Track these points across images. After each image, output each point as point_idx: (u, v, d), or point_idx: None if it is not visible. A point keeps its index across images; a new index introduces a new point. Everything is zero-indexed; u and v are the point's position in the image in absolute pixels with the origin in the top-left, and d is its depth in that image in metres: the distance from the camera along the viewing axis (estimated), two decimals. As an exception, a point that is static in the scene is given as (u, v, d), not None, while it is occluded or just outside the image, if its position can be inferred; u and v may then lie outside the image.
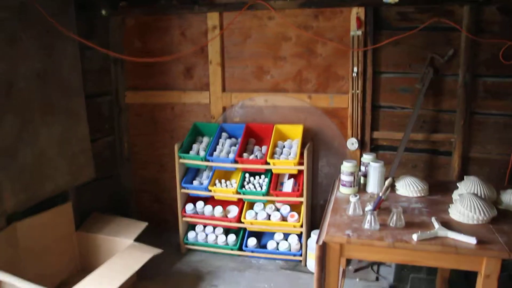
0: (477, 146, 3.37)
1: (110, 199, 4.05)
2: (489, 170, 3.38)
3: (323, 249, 1.91)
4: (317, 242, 1.91)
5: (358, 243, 1.90)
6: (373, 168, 2.40)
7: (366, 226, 1.96)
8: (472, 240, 1.84)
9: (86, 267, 2.94)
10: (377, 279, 3.33)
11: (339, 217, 2.10)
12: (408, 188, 2.39)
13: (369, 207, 2.01)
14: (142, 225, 3.46)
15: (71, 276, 3.16)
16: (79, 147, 3.45)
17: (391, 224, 1.99)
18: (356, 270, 3.41)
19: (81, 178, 3.50)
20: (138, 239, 3.29)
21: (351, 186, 2.40)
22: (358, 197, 2.13)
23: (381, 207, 2.15)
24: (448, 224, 2.00)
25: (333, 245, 1.92)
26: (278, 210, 3.55)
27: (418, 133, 3.42)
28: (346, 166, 2.38)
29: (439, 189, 2.47)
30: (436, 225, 1.97)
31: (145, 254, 3.08)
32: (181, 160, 3.62)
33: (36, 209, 3.11)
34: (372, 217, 1.95)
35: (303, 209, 3.43)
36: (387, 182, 2.04)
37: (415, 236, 1.86)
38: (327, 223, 2.03)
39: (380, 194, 2.02)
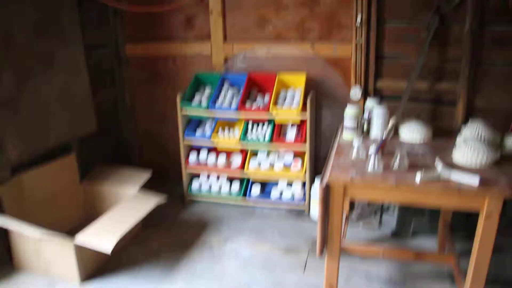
0: (482, 96, 3.34)
1: (113, 152, 4.07)
2: (494, 120, 3.36)
3: (327, 190, 1.93)
4: (320, 183, 1.93)
5: (361, 184, 1.92)
6: (377, 113, 2.39)
7: (370, 168, 1.98)
8: (474, 180, 1.85)
9: (92, 218, 2.99)
10: (379, 225, 3.38)
11: (343, 160, 2.11)
12: (412, 133, 2.39)
13: (372, 149, 2.02)
14: (146, 174, 3.49)
15: (77, 226, 3.20)
16: (80, 100, 3.44)
17: (394, 167, 2.01)
18: (359, 218, 3.46)
19: (83, 131, 3.51)
20: (142, 190, 3.32)
21: (354, 131, 2.40)
22: (361, 140, 2.13)
23: (385, 152, 2.16)
24: (451, 167, 2.01)
25: (337, 186, 1.94)
26: (281, 159, 3.57)
27: (423, 83, 3.39)
28: (350, 111, 2.37)
29: (443, 135, 2.47)
30: (440, 167, 1.98)
31: (150, 202, 3.12)
32: (184, 111, 3.61)
33: (40, 161, 3.14)
34: (376, 159, 1.96)
35: (306, 157, 3.45)
36: (391, 123, 2.03)
37: (418, 177, 1.88)
38: (331, 165, 2.05)
39: (384, 135, 2.02)
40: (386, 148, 2.19)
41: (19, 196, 2.95)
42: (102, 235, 2.72)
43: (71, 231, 2.72)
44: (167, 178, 4.12)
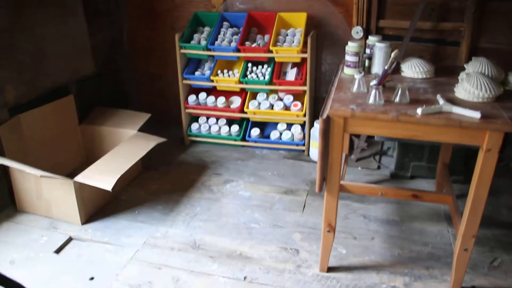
0: (487, 36, 3.26)
1: (111, 94, 4.02)
2: (498, 60, 3.30)
3: (327, 123, 1.90)
4: (321, 115, 1.91)
5: (362, 117, 1.89)
6: (379, 48, 2.34)
7: (371, 101, 1.94)
8: (476, 114, 1.82)
9: (91, 161, 2.98)
10: (378, 167, 3.39)
11: (343, 94, 2.08)
12: (414, 69, 2.34)
13: (374, 82, 1.98)
14: (145, 116, 3.46)
15: (78, 169, 3.20)
16: (77, 41, 3.36)
17: (395, 100, 1.98)
18: (358, 160, 3.46)
19: (81, 72, 3.45)
20: (142, 132, 3.30)
21: (355, 67, 2.36)
22: (363, 74, 2.10)
23: (386, 86, 2.12)
24: (453, 101, 1.97)
25: (337, 119, 1.91)
26: (281, 100, 3.54)
27: (426, 22, 3.30)
28: (351, 46, 2.32)
29: (445, 72, 2.42)
30: (441, 101, 1.95)
31: (149, 142, 3.10)
32: (182, 50, 3.55)
33: (38, 103, 3.10)
34: (377, 92, 1.93)
35: (306, 98, 3.42)
36: (393, 54, 1.99)
37: (419, 110, 1.85)
38: (331, 99, 2.01)
39: (386, 67, 1.98)
40: (387, 84, 2.15)
41: (18, 137, 2.93)
42: (103, 174, 2.72)
43: (71, 174, 2.72)
44: (166, 121, 4.09)
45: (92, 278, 2.36)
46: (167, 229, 2.74)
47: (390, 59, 1.98)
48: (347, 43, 2.33)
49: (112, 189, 2.61)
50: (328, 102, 2.03)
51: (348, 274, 2.33)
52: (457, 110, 1.88)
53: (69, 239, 2.69)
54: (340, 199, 2.87)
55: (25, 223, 2.83)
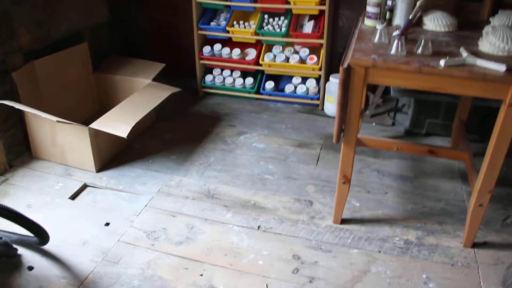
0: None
1: (126, 44, 3.99)
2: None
3: (347, 72, 1.87)
4: (341, 65, 1.88)
5: (383, 67, 1.85)
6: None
7: (393, 51, 1.90)
8: (501, 67, 1.78)
9: (106, 109, 2.97)
10: (393, 124, 3.36)
11: (364, 45, 2.03)
12: (436, 22, 2.29)
13: (396, 32, 1.93)
14: (160, 66, 3.42)
15: (92, 117, 3.20)
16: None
17: (418, 52, 1.93)
18: (372, 116, 3.43)
19: (95, 19, 3.42)
20: (156, 82, 3.28)
21: (376, 18, 2.30)
22: (385, 24, 2.05)
23: (408, 38, 2.07)
24: (476, 55, 1.93)
25: (358, 68, 1.88)
26: (297, 53, 3.49)
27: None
28: (374, -4, 2.26)
29: (469, 26, 2.37)
30: (465, 53, 1.91)
31: (164, 91, 3.09)
32: (198, 0, 3.48)
33: (53, 50, 3.07)
34: (399, 42, 1.88)
35: (323, 51, 3.36)
36: (418, 3, 1.93)
37: (442, 62, 1.81)
38: (353, 49, 1.98)
39: (410, 17, 1.93)
40: (409, 36, 2.10)
41: (33, 83, 2.92)
42: (118, 122, 2.71)
43: (85, 123, 2.72)
44: (180, 72, 4.05)
45: (107, 224, 2.40)
46: (181, 178, 2.76)
47: (415, 8, 1.93)
48: None
49: (127, 136, 2.61)
50: (348, 52, 2.00)
51: (361, 226, 2.35)
52: (481, 62, 1.84)
53: (84, 186, 2.72)
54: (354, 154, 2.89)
55: (40, 169, 2.85)
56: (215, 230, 2.34)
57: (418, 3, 1.93)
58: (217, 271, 2.09)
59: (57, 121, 2.61)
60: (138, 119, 2.73)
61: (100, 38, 3.56)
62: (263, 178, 2.75)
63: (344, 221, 2.37)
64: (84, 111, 3.38)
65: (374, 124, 3.35)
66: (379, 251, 2.18)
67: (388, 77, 1.90)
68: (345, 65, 1.87)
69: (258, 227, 2.36)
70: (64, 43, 3.16)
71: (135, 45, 4.10)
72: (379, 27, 2.04)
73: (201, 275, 2.07)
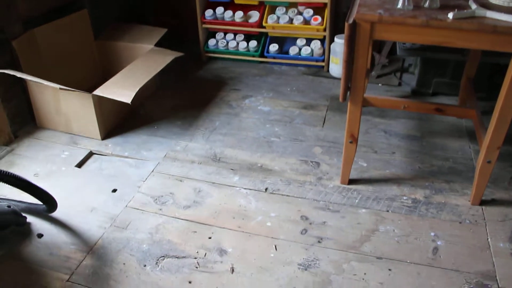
0: None
1: (127, 11, 3.92)
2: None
3: (353, 28, 1.83)
4: (347, 20, 1.83)
5: (390, 22, 1.80)
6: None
7: (399, 5, 1.85)
8: None
9: (109, 77, 2.94)
10: (399, 84, 3.32)
11: (370, 0, 1.98)
12: (444, -25, 2.22)
13: (403, -15, 1.88)
14: (162, 31, 3.36)
15: (95, 85, 3.16)
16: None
17: (425, 5, 1.88)
18: (378, 76, 3.38)
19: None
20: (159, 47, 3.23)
21: (382, -28, 2.23)
22: (391, -22, 1.99)
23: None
24: (487, 7, 1.87)
25: (364, 24, 1.83)
26: (300, 13, 3.42)
27: None
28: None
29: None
30: (474, 6, 1.85)
31: (166, 56, 3.05)
32: (199, -40, 3.41)
33: (52, 18, 3.02)
34: (406, -5, 1.83)
35: (327, 12, 3.30)
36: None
37: (450, 15, 1.76)
38: (357, 4, 1.92)
39: (417, -32, 1.87)
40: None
41: (34, 52, 2.88)
42: (121, 88, 2.69)
43: (89, 91, 2.70)
44: (183, 38, 4.00)
45: (114, 190, 2.40)
46: (187, 143, 2.75)
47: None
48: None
49: (131, 102, 2.58)
50: (354, 8, 1.94)
51: (369, 186, 2.34)
52: (492, 14, 1.78)
53: (90, 154, 2.71)
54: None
55: (45, 138, 2.85)
56: (222, 193, 2.34)
57: (424, -46, 1.86)
58: (226, 234, 2.09)
59: (60, 88, 2.58)
60: (142, 85, 2.70)
61: (100, 6, 3.50)
62: (269, 141, 2.74)
63: (351, 182, 2.36)
64: (87, 79, 3.34)
65: (380, 84, 3.31)
66: (387, 210, 2.18)
67: (395, 32, 1.85)
68: (351, 20, 1.82)
69: (266, 189, 2.35)
70: (63, 11, 3.10)
71: (136, 13, 4.02)
72: (385, -19, 1.98)
73: (210, 237, 2.07)
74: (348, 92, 2.04)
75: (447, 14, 1.77)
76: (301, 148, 2.66)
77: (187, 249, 2.02)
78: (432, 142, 2.68)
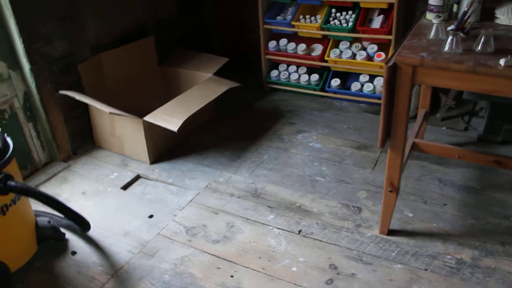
0: None
1: (191, 37, 3.99)
2: None
3: (393, 71, 1.71)
4: (386, 63, 1.71)
5: (432, 66, 1.66)
6: (469, -10, 2.05)
7: (446, 48, 1.71)
8: None
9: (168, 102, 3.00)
10: (466, 129, 3.08)
11: (417, 41, 1.85)
12: (510, 15, 2.03)
13: (451, 27, 1.73)
14: (223, 60, 3.38)
15: (155, 109, 3.24)
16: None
17: (477, 49, 1.72)
18: (443, 119, 3.17)
19: (162, 13, 3.45)
20: (216, 76, 3.24)
21: (439, 12, 2.09)
22: (442, 18, 1.84)
23: (470, 34, 1.85)
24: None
25: (404, 67, 1.70)
26: (364, 49, 3.30)
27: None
28: (436, -13, 2.05)
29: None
30: (534, 52, 1.67)
31: (222, 86, 3.05)
32: (264, -8, 3.41)
33: (120, 44, 3.15)
34: (454, 38, 1.68)
35: (391, 49, 3.15)
36: (477, -6, 1.72)
37: (502, 61, 1.59)
38: (402, 45, 1.80)
39: (465, 8, 1.72)
40: (472, 31, 1.88)
41: (98, 75, 3.00)
42: (171, 115, 2.71)
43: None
44: (246, 67, 4.00)
45: (151, 216, 2.40)
46: (231, 175, 2.71)
47: (473, -1, 1.72)
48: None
49: (179, 130, 2.59)
50: (397, 49, 1.82)
51: (410, 239, 2.15)
52: (551, 62, 1.60)
53: (137, 177, 2.75)
54: (415, 159, 2.68)
55: (100, 158, 2.93)
56: (254, 231, 2.26)
57: (476, -5, 1.71)
58: (248, 274, 2.01)
59: (110, 113, 2.64)
60: (191, 113, 2.71)
61: (166, 32, 3.59)
62: (314, 180, 2.63)
63: (392, 232, 2.19)
64: (149, 102, 3.40)
65: (444, 128, 3.09)
66: (426, 269, 1.98)
67: (438, 77, 1.71)
68: (391, 63, 1.70)
69: (299, 231, 2.24)
70: (131, 37, 3.21)
71: (201, 39, 4.09)
72: (435, 21, 1.85)
73: (232, 276, 2.00)
74: (389, 139, 1.91)
75: (499, 60, 1.61)
76: (346, 191, 2.52)
77: (207, 285, 1.96)
78: (491, 196, 2.43)
